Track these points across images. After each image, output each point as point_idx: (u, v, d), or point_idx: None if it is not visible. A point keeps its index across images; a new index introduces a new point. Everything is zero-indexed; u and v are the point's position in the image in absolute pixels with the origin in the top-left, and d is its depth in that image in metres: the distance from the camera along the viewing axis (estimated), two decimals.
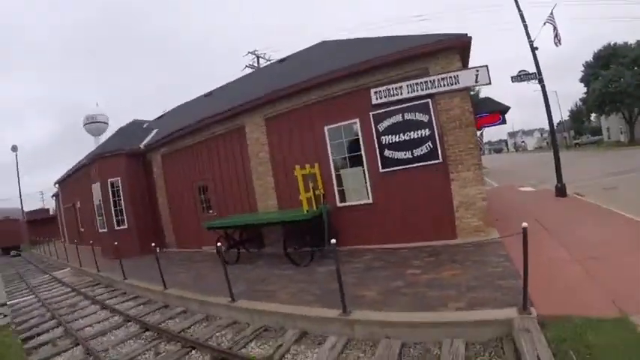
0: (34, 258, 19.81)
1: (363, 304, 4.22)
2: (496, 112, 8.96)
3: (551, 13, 11.11)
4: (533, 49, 10.39)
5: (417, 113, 6.71)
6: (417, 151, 6.75)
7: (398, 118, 6.86)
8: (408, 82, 6.68)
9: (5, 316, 7.62)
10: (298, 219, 6.49)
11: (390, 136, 6.93)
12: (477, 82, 6.38)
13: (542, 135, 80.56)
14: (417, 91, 6.63)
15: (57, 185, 21.32)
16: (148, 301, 6.80)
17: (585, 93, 34.20)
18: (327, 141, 7.55)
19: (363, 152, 7.18)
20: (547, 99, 10.42)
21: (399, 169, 6.87)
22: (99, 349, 4.74)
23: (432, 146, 6.64)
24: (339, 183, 7.49)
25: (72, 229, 19.12)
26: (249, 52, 20.69)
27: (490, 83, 6.37)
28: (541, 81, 10.40)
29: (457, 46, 6.51)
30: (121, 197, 11.59)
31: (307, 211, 6.51)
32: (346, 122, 7.33)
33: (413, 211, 6.76)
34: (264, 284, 5.85)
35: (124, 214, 11.63)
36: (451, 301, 3.90)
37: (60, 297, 8.50)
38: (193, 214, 10.53)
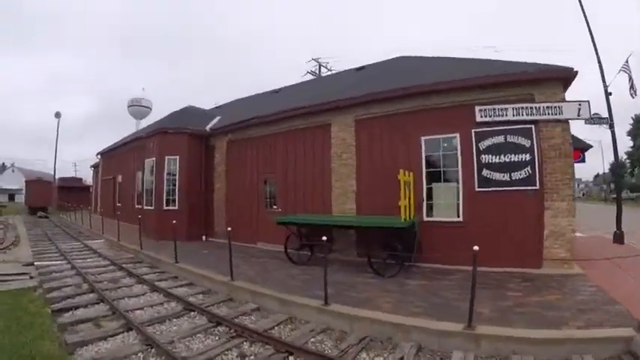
0: (63, 223, 19.70)
1: (481, 320, 4.15)
2: (577, 149, 9.09)
3: (627, 62, 11.32)
4: (607, 95, 10.59)
5: (519, 137, 6.90)
6: (516, 175, 6.89)
7: (500, 139, 7.03)
8: (513, 106, 6.90)
9: (32, 277, 6.83)
10: (396, 226, 6.39)
11: (489, 155, 7.08)
12: (578, 115, 6.62)
13: (578, 185, 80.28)
14: (522, 115, 6.84)
15: (99, 156, 21.66)
16: (208, 291, 6.37)
17: (632, 147, 34.03)
18: (423, 152, 7.71)
19: (459, 168, 7.32)
20: (616, 148, 10.61)
21: (494, 191, 6.98)
22: (162, 341, 3.97)
23: (530, 172, 6.78)
24: (429, 197, 7.59)
25: (107, 202, 19.19)
26: (312, 59, 21.40)
27: (590, 118, 6.57)
28: (612, 126, 10.57)
29: (561, 77, 6.79)
30: (177, 177, 11.72)
31: (405, 219, 6.47)
32: (445, 135, 7.51)
33: (502, 235, 6.78)
34: (355, 291, 5.54)
35: (177, 195, 11.71)
36: (570, 320, 4.11)
37: (97, 269, 7.88)
38: (253, 207, 10.61)
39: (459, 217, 7.26)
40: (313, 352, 3.81)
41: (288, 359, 3.77)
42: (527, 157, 6.81)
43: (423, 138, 7.71)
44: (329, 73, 20.68)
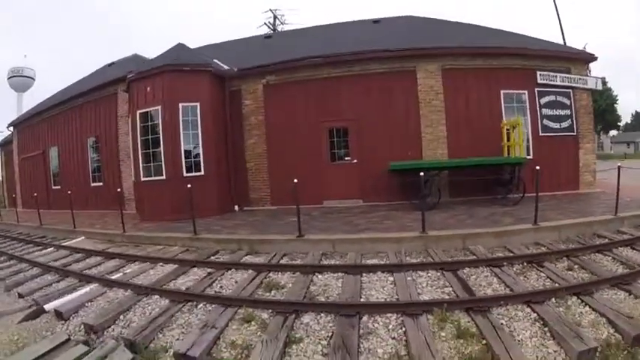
0: None
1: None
2: None
3: None
4: None
5: (563, 97, 9.46)
6: (563, 124, 9.39)
7: (552, 97, 9.40)
8: (559, 74, 9.44)
9: None
10: (520, 162, 7.65)
11: (546, 109, 9.32)
12: (595, 87, 9.86)
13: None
14: (565, 82, 9.45)
15: (12, 129, 16.12)
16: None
17: None
18: (502, 102, 9.18)
19: (528, 117, 9.22)
20: None
21: (550, 135, 9.26)
22: None
23: (571, 122, 9.45)
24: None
25: (32, 188, 13.45)
26: (270, 10, 19.74)
27: (600, 90, 9.96)
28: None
29: (587, 59, 9.81)
30: (198, 132, 8.71)
31: (519, 157, 7.82)
32: (517, 91, 9.26)
33: (555, 167, 9.13)
34: (513, 215, 6.40)
35: (201, 156, 8.71)
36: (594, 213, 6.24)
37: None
38: (313, 162, 9.15)
39: (530, 155, 9.12)
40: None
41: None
42: (568, 112, 9.42)
43: (502, 91, 9.23)
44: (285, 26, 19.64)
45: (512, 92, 9.27)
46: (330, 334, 2.89)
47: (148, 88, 8.84)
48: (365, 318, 3.09)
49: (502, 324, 2.85)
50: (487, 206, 7.60)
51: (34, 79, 50.16)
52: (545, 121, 9.29)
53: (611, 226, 5.65)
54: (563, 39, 16.35)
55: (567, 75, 9.44)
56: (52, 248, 7.23)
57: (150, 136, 8.84)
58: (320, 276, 4.28)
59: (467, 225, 5.88)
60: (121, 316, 3.47)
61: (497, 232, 5.32)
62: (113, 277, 4.68)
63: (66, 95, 13.17)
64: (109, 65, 15.32)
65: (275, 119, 9.47)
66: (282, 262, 5.12)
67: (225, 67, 9.64)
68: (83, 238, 7.99)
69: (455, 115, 9.07)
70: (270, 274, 4.47)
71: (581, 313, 2.98)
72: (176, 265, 5.12)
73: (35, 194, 10.54)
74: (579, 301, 3.17)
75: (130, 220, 8.84)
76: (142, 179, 9.05)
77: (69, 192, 9.25)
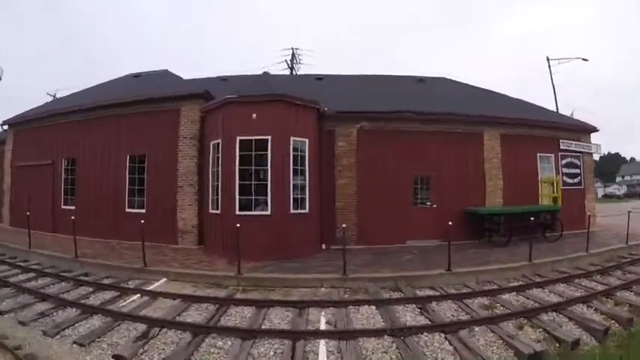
0: None
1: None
2: None
3: None
4: None
5: (576, 159, 12.46)
6: (575, 180, 12.37)
7: (569, 159, 12.32)
8: (574, 142, 12.42)
9: None
10: (554, 209, 10.39)
11: (565, 168, 12.21)
12: (596, 152, 13.13)
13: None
14: (577, 148, 12.48)
15: (5, 127, 13.50)
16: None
17: None
18: (538, 162, 11.75)
19: (554, 174, 11.93)
20: None
21: (568, 188, 12.12)
22: None
23: (580, 178, 12.48)
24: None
25: (32, 205, 11.36)
26: (292, 48, 19.95)
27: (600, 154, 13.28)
28: None
29: (591, 130, 13.03)
30: (306, 168, 9.20)
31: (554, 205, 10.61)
32: (547, 154, 11.94)
33: (570, 213, 11.94)
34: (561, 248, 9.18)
35: (307, 193, 9.17)
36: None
37: None
38: (399, 205, 10.38)
39: (558, 204, 11.74)
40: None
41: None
42: (578, 170, 12.45)
43: (538, 154, 11.81)
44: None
45: (545, 155, 11.91)
46: None
47: (254, 115, 8.73)
48: None
49: None
50: (539, 242, 9.58)
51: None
52: (565, 178, 12.11)
53: None
54: (556, 106, 20.69)
55: (578, 142, 12.45)
56: (146, 297, 6.17)
57: (253, 167, 8.77)
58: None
59: (547, 254, 8.24)
60: None
61: (571, 259, 8.19)
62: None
63: (98, 102, 11.72)
64: (135, 77, 14.33)
65: (365, 163, 10.49)
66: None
67: (325, 108, 10.27)
68: (165, 280, 7.11)
69: (507, 171, 11.29)
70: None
71: None
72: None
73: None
74: None
75: (193, 256, 8.81)
76: (237, 212, 8.71)
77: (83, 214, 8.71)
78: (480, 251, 9.10)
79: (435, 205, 10.65)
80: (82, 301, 5.88)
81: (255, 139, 8.77)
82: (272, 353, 4.18)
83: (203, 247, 9.87)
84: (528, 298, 5.92)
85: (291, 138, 8.94)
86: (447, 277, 6.87)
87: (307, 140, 9.27)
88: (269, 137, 8.72)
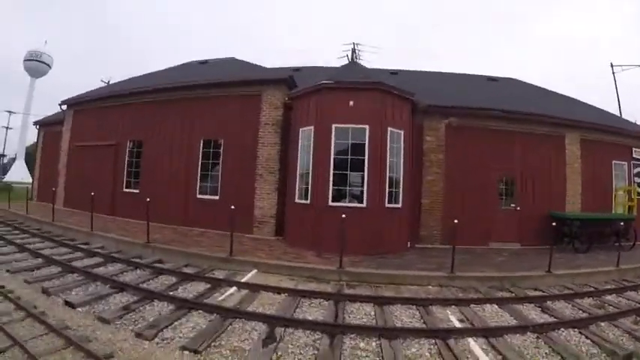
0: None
1: None
2: None
3: None
4: None
5: None
6: None
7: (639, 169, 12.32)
8: None
9: None
10: (629, 219, 10.18)
11: (637, 177, 12.16)
12: None
13: None
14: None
15: (64, 107, 13.14)
16: None
17: None
18: (612, 170, 11.66)
19: (626, 182, 11.87)
20: None
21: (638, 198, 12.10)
22: None
23: None
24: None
25: (89, 187, 10.36)
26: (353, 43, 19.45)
27: None
28: None
29: None
30: (400, 161, 8.84)
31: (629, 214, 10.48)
32: (621, 162, 11.87)
33: None
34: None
35: (400, 187, 8.82)
36: None
37: None
38: (485, 206, 10.13)
39: (631, 211, 11.69)
40: None
41: None
42: None
43: (613, 161, 11.71)
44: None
45: (619, 162, 11.83)
46: None
47: (351, 103, 8.42)
48: None
49: None
50: (614, 250, 9.24)
51: (50, 67, 48.32)
52: (636, 185, 12.07)
53: None
54: (620, 115, 20.16)
55: (637, 149, 12.43)
56: (245, 291, 5.61)
57: (349, 157, 8.36)
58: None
59: (630, 261, 8.05)
60: None
61: None
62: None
63: (178, 82, 11.19)
64: (201, 63, 13.68)
65: (453, 160, 10.20)
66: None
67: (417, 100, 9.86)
68: (255, 272, 6.66)
69: (585, 176, 11.15)
70: None
71: None
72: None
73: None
74: None
75: (275, 247, 8.46)
76: (330, 203, 8.34)
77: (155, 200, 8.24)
78: (566, 256, 8.92)
79: (518, 208, 10.41)
80: (171, 293, 5.23)
81: (352, 128, 8.43)
82: (427, 354, 3.88)
83: (281, 238, 9.41)
84: (629, 300, 6.09)
85: (389, 128, 8.62)
86: (547, 278, 6.89)
87: (402, 132, 8.93)
88: (367, 126, 8.40)
